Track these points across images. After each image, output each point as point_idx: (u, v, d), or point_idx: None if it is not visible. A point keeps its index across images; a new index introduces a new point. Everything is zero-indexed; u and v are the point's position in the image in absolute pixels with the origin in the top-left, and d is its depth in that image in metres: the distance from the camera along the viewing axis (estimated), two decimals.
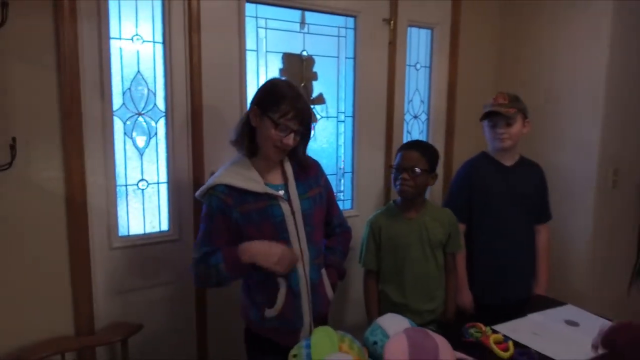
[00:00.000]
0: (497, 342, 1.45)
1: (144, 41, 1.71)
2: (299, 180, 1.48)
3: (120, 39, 1.66)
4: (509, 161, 1.97)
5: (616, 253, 2.45)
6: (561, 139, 2.36)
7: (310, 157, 1.56)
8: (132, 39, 1.69)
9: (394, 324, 1.37)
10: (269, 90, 1.40)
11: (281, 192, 1.43)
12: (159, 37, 1.73)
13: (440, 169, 2.44)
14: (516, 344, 1.45)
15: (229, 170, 1.43)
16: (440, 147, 2.48)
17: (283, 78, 1.54)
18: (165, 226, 1.84)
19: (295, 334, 1.47)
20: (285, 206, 1.42)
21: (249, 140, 1.44)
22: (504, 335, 1.50)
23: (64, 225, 1.61)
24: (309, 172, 1.52)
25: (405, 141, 2.23)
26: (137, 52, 1.70)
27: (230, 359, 1.96)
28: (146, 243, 1.79)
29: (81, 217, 1.63)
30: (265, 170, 1.45)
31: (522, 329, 1.58)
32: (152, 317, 1.80)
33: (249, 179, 1.41)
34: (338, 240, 1.63)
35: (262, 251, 1.36)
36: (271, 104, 1.36)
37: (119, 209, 1.73)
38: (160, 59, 1.75)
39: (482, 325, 1.53)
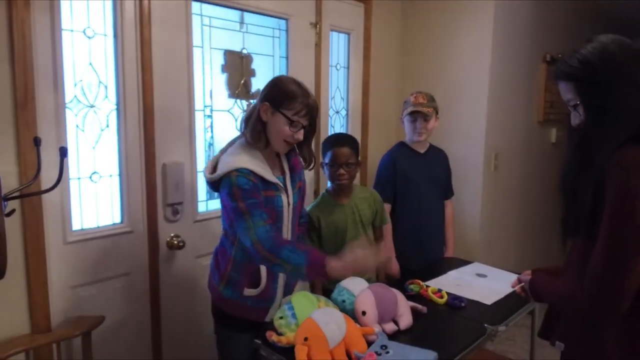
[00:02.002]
0: (433, 292, 1.77)
1: (95, 34, 1.71)
2: (291, 174, 1.61)
3: (72, 31, 1.65)
4: (422, 149, 2.35)
5: (497, 221, 3.00)
6: (456, 130, 2.82)
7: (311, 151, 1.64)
8: (84, 32, 1.68)
9: (356, 285, 1.62)
10: (280, 87, 1.50)
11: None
12: (110, 31, 1.75)
13: None
14: (447, 293, 1.79)
15: (245, 156, 1.47)
16: (357, 137, 2.79)
17: (288, 76, 1.61)
18: (118, 218, 1.85)
19: (266, 310, 1.59)
20: (284, 197, 1.54)
21: (264, 134, 1.50)
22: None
23: (18, 221, 1.56)
24: (296, 166, 1.65)
25: (329, 135, 2.38)
26: (89, 44, 1.70)
27: (184, 344, 2.04)
28: (100, 236, 1.79)
29: (36, 212, 1.59)
30: (268, 161, 1.54)
31: (447, 283, 1.94)
32: (109, 309, 1.81)
33: (264, 168, 1.50)
34: (303, 230, 1.83)
35: (356, 268, 1.34)
36: (285, 102, 1.46)
37: (72, 202, 1.71)
38: (112, 52, 1.76)
39: (419, 281, 1.85)
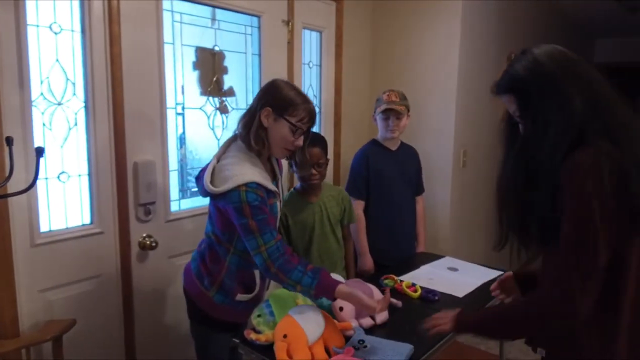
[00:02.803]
0: (407, 287, 1.81)
1: (62, 29, 1.66)
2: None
3: (37, 26, 1.60)
4: (394, 146, 2.39)
5: (466, 216, 3.08)
6: (426, 128, 2.88)
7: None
8: (50, 27, 1.63)
9: None
10: (281, 93, 1.47)
11: None
12: (77, 26, 1.70)
13: (330, 155, 2.77)
14: (421, 287, 1.83)
15: (250, 167, 1.44)
16: (330, 135, 2.82)
17: (284, 79, 1.59)
18: (87, 219, 1.81)
19: (251, 309, 1.57)
20: (279, 204, 1.55)
21: (267, 140, 1.48)
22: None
23: None
24: (279, 168, 1.66)
25: None
26: (56, 40, 1.65)
27: (158, 346, 2.01)
28: (69, 237, 1.74)
29: (1, 214, 1.54)
30: (264, 167, 1.52)
31: (420, 277, 1.98)
32: (81, 312, 1.76)
33: (267, 178, 1.48)
34: None
35: (360, 302, 1.39)
36: (289, 108, 1.45)
37: (39, 203, 1.66)
38: (80, 48, 1.71)
39: (393, 276, 1.89)
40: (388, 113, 2.25)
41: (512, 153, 1.14)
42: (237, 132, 1.54)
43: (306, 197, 2.01)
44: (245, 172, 1.41)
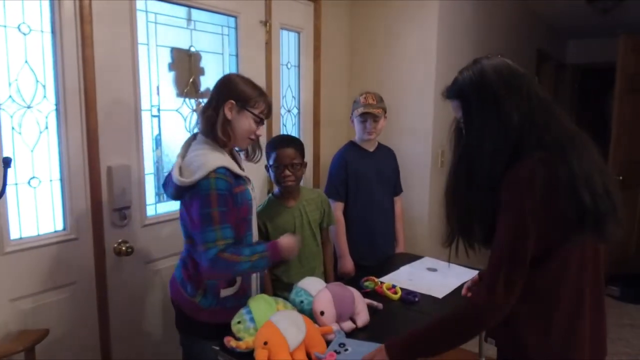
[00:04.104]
0: (388, 289, 1.81)
1: (31, 30, 1.61)
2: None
3: (5, 26, 1.54)
4: (371, 148, 2.40)
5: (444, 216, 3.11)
6: (404, 128, 2.89)
7: None
8: (18, 28, 1.57)
9: (313, 285, 1.62)
10: (241, 86, 1.53)
11: None
12: (47, 27, 1.64)
13: (310, 156, 2.77)
14: (401, 289, 1.84)
15: (215, 154, 1.47)
16: (309, 136, 2.81)
17: (237, 74, 1.64)
18: (60, 225, 1.75)
19: (239, 305, 1.53)
20: (251, 190, 1.57)
21: (231, 133, 1.52)
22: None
23: None
24: (240, 162, 1.67)
25: (272, 137, 2.24)
26: (25, 41, 1.59)
27: (135, 354, 1.97)
28: (41, 245, 1.69)
29: None
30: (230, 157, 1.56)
31: (400, 279, 1.99)
32: (54, 322, 1.71)
33: (233, 163, 1.51)
34: None
35: (292, 248, 1.57)
36: (252, 100, 1.52)
37: (9, 210, 1.60)
38: (50, 49, 1.66)
39: (374, 278, 1.89)
40: (365, 116, 2.25)
41: (455, 157, 1.19)
42: (198, 129, 1.57)
43: (284, 202, 1.98)
44: (213, 158, 1.44)
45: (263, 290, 1.90)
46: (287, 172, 1.90)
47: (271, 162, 1.93)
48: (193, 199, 1.43)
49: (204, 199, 1.40)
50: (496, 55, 1.16)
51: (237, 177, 1.50)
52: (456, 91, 1.16)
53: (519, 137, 1.07)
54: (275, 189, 2.02)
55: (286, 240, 1.56)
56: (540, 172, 1.03)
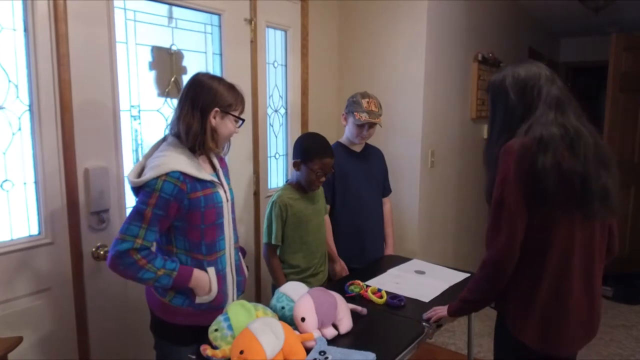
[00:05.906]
0: (373, 293, 1.77)
1: (2, 28, 1.55)
2: (222, 171, 1.62)
3: None
4: (359, 148, 2.35)
5: (435, 216, 3.07)
6: (393, 129, 2.85)
7: None
8: None
9: (295, 290, 1.58)
10: (219, 89, 1.49)
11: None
12: (20, 25, 1.59)
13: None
14: (387, 292, 1.79)
15: (178, 158, 1.44)
16: (297, 136, 2.73)
17: (204, 73, 1.57)
18: (35, 230, 1.70)
19: (219, 312, 1.51)
20: (222, 193, 1.53)
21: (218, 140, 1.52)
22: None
23: None
24: (222, 164, 1.64)
25: (313, 139, 2.11)
26: None
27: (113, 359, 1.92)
28: (15, 249, 1.63)
29: None
30: (200, 160, 1.53)
31: (387, 281, 1.95)
32: (28, 329, 1.66)
33: (198, 167, 1.47)
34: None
35: (203, 284, 1.49)
36: (232, 103, 1.51)
37: None
38: (23, 48, 1.61)
39: (359, 282, 1.84)
40: (365, 123, 2.20)
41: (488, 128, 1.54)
42: (169, 131, 1.54)
43: (301, 191, 2.04)
44: (170, 161, 1.42)
45: (276, 282, 1.98)
46: (323, 179, 1.98)
47: (313, 167, 1.95)
48: (138, 194, 1.43)
49: (145, 195, 1.39)
50: (526, 61, 1.45)
51: (200, 181, 1.47)
52: (487, 87, 1.50)
53: (520, 123, 1.36)
54: (293, 178, 2.07)
55: (202, 275, 1.49)
56: (527, 148, 1.28)
